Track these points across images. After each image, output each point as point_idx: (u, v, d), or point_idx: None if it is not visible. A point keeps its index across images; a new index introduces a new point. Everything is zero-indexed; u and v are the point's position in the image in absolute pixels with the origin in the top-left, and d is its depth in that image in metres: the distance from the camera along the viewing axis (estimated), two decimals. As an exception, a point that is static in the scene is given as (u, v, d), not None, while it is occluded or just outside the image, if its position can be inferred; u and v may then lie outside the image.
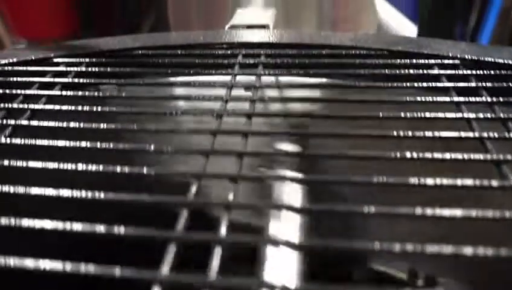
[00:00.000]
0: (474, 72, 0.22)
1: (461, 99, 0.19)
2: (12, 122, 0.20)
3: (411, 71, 0.22)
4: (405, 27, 0.80)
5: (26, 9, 0.78)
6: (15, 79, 0.25)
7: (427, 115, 0.18)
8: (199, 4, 0.51)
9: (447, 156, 0.15)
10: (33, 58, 0.27)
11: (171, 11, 0.56)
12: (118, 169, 0.16)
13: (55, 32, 0.81)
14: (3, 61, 0.27)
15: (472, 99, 0.19)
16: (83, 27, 0.83)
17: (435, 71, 0.22)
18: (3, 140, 0.19)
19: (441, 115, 0.18)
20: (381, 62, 0.23)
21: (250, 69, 0.25)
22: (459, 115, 0.18)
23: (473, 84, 0.21)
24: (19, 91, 0.23)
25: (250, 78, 0.23)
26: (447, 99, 0.19)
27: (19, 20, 0.81)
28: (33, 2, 0.77)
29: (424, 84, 0.21)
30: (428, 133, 0.17)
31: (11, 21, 0.83)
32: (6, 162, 0.17)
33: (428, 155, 0.16)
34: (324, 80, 0.24)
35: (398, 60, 0.24)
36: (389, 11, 0.77)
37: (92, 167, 0.17)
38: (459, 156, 0.15)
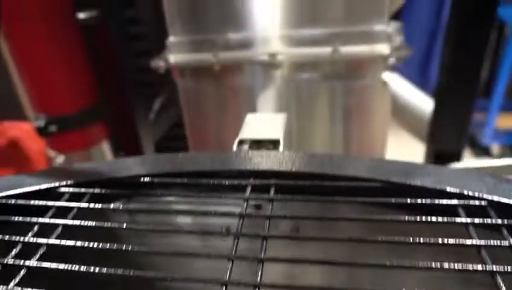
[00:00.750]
0: (506, 221, 0.20)
1: (495, 268, 0.17)
2: (3, 288, 0.19)
3: (433, 219, 0.20)
4: (417, 97, 0.79)
5: (46, 89, 0.82)
6: (15, 218, 0.24)
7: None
8: (213, 96, 0.52)
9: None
10: (37, 188, 0.27)
11: (184, 102, 0.57)
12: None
13: (72, 109, 0.84)
14: (8, 193, 0.26)
15: (509, 269, 0.17)
16: (100, 103, 0.86)
17: (462, 219, 0.20)
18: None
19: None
20: (403, 202, 0.22)
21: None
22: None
23: (506, 244, 0.18)
24: (17, 238, 0.22)
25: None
26: (480, 267, 0.17)
27: (39, 98, 0.84)
28: (53, 83, 0.80)
29: (452, 241, 0.19)
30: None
31: (32, 98, 0.86)
32: None
33: None
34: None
35: (420, 200, 0.22)
36: (400, 84, 0.77)
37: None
38: None
